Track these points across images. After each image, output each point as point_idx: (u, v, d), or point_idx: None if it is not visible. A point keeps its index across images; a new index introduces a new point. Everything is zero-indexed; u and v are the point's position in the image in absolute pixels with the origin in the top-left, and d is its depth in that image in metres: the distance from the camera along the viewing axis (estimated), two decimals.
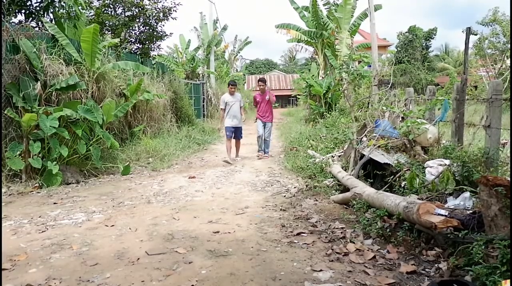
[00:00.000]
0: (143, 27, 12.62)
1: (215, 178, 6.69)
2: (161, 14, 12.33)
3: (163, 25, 14.30)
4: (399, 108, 6.29)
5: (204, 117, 17.19)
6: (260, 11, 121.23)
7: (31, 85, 6.24)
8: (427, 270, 2.92)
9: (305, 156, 7.53)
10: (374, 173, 5.02)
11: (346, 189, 4.91)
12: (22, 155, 6.08)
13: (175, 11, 12.48)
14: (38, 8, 7.65)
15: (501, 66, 18.49)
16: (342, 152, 6.74)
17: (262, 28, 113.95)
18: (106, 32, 11.56)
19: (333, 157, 6.63)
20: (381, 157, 5.07)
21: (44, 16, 7.65)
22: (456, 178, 3.81)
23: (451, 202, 3.44)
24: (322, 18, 16.55)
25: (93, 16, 11.39)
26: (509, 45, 19.24)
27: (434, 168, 4.18)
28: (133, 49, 12.64)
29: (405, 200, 3.43)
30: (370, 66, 14.49)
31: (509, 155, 4.49)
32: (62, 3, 7.58)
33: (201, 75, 19.93)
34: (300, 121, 16.59)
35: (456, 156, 4.16)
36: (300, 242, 3.53)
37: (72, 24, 8.01)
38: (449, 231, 2.94)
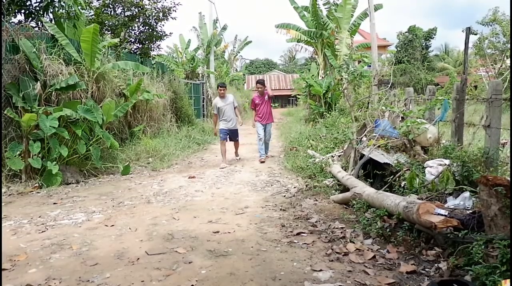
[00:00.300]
0: (142, 27, 12.61)
1: (215, 178, 6.69)
2: (160, 14, 12.33)
3: (163, 25, 14.35)
4: (398, 108, 6.29)
5: (204, 117, 17.19)
6: (260, 11, 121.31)
7: (31, 85, 6.24)
8: (427, 270, 2.92)
9: (305, 156, 7.53)
10: (374, 172, 5.01)
11: (346, 189, 4.91)
12: (22, 155, 6.08)
13: (175, 11, 12.48)
14: (37, 8, 7.65)
15: (501, 66, 18.48)
16: (342, 151, 6.74)
17: (262, 28, 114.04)
18: (106, 32, 11.55)
19: (333, 157, 6.63)
20: (381, 157, 5.07)
21: (43, 16, 7.65)
22: (456, 177, 3.81)
23: (451, 202, 3.44)
24: (322, 18, 16.53)
25: (92, 16, 11.38)
26: (509, 45, 19.24)
27: (434, 167, 4.18)
28: (133, 49, 12.64)
29: (405, 200, 3.43)
30: (370, 66, 14.49)
31: (509, 154, 4.50)
32: (61, 3, 7.58)
33: (201, 75, 19.92)
34: (300, 121, 16.60)
35: (456, 156, 4.16)
36: (300, 242, 3.53)
37: (72, 24, 8.01)
38: (449, 231, 2.94)
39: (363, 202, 4.18)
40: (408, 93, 7.34)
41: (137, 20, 12.18)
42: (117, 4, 11.88)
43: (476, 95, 5.82)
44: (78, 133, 6.47)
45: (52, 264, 3.13)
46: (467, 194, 3.41)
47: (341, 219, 4.16)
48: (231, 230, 3.90)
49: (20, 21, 7.53)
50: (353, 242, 3.45)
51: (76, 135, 6.55)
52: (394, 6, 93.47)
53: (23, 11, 7.57)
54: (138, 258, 3.22)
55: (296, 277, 2.83)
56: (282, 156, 8.80)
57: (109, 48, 8.99)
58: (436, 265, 2.94)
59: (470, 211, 3.06)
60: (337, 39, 16.29)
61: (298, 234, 3.74)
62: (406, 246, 3.30)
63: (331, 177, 5.67)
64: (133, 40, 12.70)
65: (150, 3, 12.14)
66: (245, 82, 40.09)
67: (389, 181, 4.53)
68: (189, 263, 3.11)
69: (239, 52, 37.15)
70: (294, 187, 5.70)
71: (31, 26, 7.20)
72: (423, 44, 31.84)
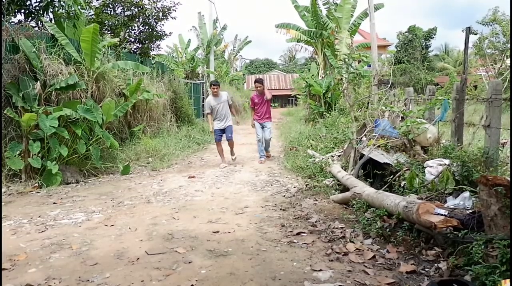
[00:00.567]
0: (142, 26, 12.61)
1: (215, 178, 6.69)
2: (160, 14, 12.33)
3: (163, 25, 14.37)
4: (398, 108, 6.29)
5: (203, 117, 17.18)
6: (260, 11, 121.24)
7: (31, 85, 6.23)
8: (426, 269, 2.92)
9: (305, 156, 7.53)
10: (373, 172, 5.01)
11: (345, 189, 4.91)
12: (22, 154, 6.07)
13: (175, 10, 12.49)
14: (37, 7, 7.65)
15: (501, 66, 18.49)
16: (341, 151, 6.74)
17: (262, 28, 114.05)
18: (106, 32, 11.55)
19: (333, 157, 6.63)
20: (380, 157, 5.07)
21: (43, 16, 7.65)
22: (456, 177, 3.81)
23: (451, 202, 3.44)
24: (322, 18, 16.54)
25: (92, 16, 11.38)
26: (509, 45, 19.25)
27: (433, 167, 4.18)
28: (133, 49, 12.64)
29: (405, 200, 3.43)
30: (369, 66, 14.49)
31: (508, 154, 4.50)
32: (61, 2, 7.58)
33: (200, 75, 19.93)
34: (299, 121, 16.60)
35: (455, 156, 4.17)
36: (299, 242, 3.53)
37: (72, 23, 8.01)
38: (449, 231, 2.94)
39: (363, 201, 4.18)
40: (408, 93, 7.34)
41: (137, 20, 12.19)
42: (117, 4, 11.88)
43: (476, 95, 5.82)
44: (78, 133, 6.46)
45: (52, 264, 3.13)
46: (467, 194, 3.41)
47: (341, 219, 4.16)
48: (231, 230, 3.90)
49: (20, 21, 7.54)
50: (353, 242, 3.45)
51: (76, 135, 6.55)
52: (394, 6, 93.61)
53: (23, 10, 7.57)
54: (138, 258, 3.22)
55: (296, 277, 2.83)
56: (282, 156, 8.79)
57: (109, 48, 8.98)
58: (436, 265, 2.94)
59: (470, 211, 3.06)
60: (337, 39, 16.29)
61: (298, 234, 3.74)
62: (406, 246, 3.30)
63: (331, 177, 5.67)
64: (133, 40, 12.70)
65: (150, 3, 12.15)
66: (245, 82, 40.12)
67: (389, 180, 4.53)
68: (189, 262, 3.11)
69: (239, 52, 37.21)
70: (294, 187, 5.70)
71: (31, 26, 7.20)
72: (423, 44, 31.85)
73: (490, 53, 20.20)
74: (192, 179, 6.57)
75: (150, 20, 12.33)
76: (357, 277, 2.81)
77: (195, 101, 16.17)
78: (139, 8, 11.98)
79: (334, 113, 11.93)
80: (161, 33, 12.84)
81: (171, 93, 12.09)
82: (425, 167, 4.28)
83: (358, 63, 15.89)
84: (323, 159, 6.60)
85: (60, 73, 6.79)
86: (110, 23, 11.65)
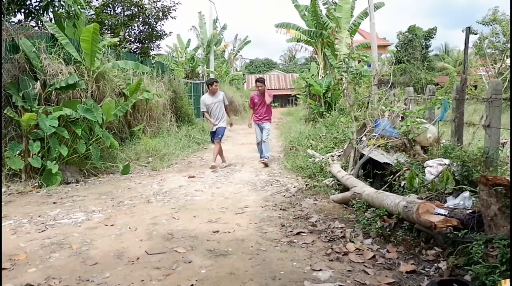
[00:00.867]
0: (142, 26, 12.61)
1: (215, 177, 6.69)
2: (160, 13, 12.33)
3: (163, 25, 14.35)
4: (398, 108, 6.29)
5: (203, 116, 17.18)
6: (260, 11, 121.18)
7: (31, 84, 6.23)
8: (426, 269, 2.92)
9: (305, 156, 7.52)
10: (373, 172, 5.01)
11: (345, 189, 4.91)
12: (22, 154, 6.07)
13: (175, 10, 12.50)
14: (37, 7, 7.65)
15: (501, 65, 18.49)
16: (341, 151, 6.74)
17: (262, 28, 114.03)
18: (106, 31, 11.55)
19: (333, 157, 6.63)
20: (380, 157, 5.07)
21: (43, 16, 7.65)
22: (456, 177, 3.81)
23: (451, 202, 3.44)
24: (322, 18, 16.55)
25: (92, 16, 11.38)
26: (509, 45, 19.25)
27: (433, 167, 4.18)
28: (133, 49, 12.65)
29: (405, 200, 3.43)
30: (369, 65, 14.49)
31: (508, 154, 4.50)
32: (61, 2, 7.59)
33: (200, 74, 19.94)
34: (299, 120, 16.60)
35: (455, 156, 4.17)
36: (299, 242, 3.53)
37: (72, 23, 8.01)
38: (449, 231, 2.94)
39: (362, 201, 4.17)
40: (408, 93, 7.34)
41: (136, 19, 12.19)
42: (117, 4, 11.89)
43: (476, 95, 5.82)
44: (78, 133, 6.46)
45: (52, 264, 3.13)
46: (467, 193, 3.41)
47: (341, 219, 4.16)
48: (231, 230, 3.90)
49: (20, 21, 7.53)
50: (353, 242, 3.45)
51: (76, 134, 6.55)
52: (394, 5, 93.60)
53: (23, 10, 7.57)
54: (138, 258, 3.22)
55: (296, 276, 2.83)
56: (282, 156, 8.79)
57: (109, 48, 8.98)
58: (435, 264, 2.94)
59: (470, 211, 3.06)
60: (337, 38, 16.31)
61: (298, 233, 3.74)
62: (406, 246, 3.30)
63: (331, 177, 5.67)
64: (132, 39, 12.71)
65: (150, 3, 12.16)
66: (245, 82, 40.14)
67: (389, 180, 4.53)
68: (189, 262, 3.11)
69: (239, 52, 37.20)
70: (294, 187, 5.70)
71: (31, 25, 7.20)
72: (423, 44, 31.89)
73: (490, 53, 20.20)
74: (192, 179, 6.57)
75: (150, 20, 12.34)
76: (357, 277, 2.81)
77: (195, 101, 16.13)
78: (139, 8, 11.99)
79: (334, 113, 11.93)
80: (161, 33, 12.85)
81: (171, 93, 12.09)
82: (425, 167, 4.28)
83: (358, 63, 15.91)
84: (323, 158, 6.60)
85: (60, 73, 6.79)
86: (110, 22, 11.66)
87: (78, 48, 7.40)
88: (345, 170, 5.60)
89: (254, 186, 5.98)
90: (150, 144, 8.84)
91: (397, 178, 4.46)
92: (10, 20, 7.18)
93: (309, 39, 17.88)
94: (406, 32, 31.22)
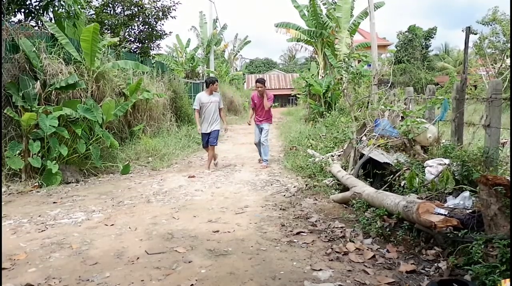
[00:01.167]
0: (142, 26, 12.62)
1: (215, 177, 6.69)
2: (160, 13, 12.34)
3: (163, 24, 14.35)
4: (398, 108, 6.29)
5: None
6: (260, 11, 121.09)
7: (31, 84, 6.23)
8: (426, 269, 2.92)
9: (305, 155, 7.52)
10: (373, 172, 5.01)
11: (345, 188, 4.91)
12: (22, 154, 6.07)
13: (175, 10, 12.52)
14: (37, 7, 7.64)
15: (501, 65, 18.47)
16: (341, 151, 6.74)
17: (262, 28, 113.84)
18: (106, 31, 11.56)
19: (333, 156, 6.63)
20: (380, 156, 5.07)
21: (43, 15, 7.64)
22: (456, 177, 3.81)
23: (451, 201, 3.44)
24: (322, 17, 16.55)
25: (92, 15, 11.39)
26: (509, 45, 19.24)
27: (433, 167, 4.18)
28: (133, 48, 12.65)
29: (405, 199, 3.43)
30: (369, 65, 14.49)
31: (508, 154, 4.50)
32: (61, 2, 7.58)
33: (200, 74, 19.94)
34: (299, 120, 16.60)
35: (455, 155, 4.17)
36: (299, 241, 3.53)
37: (72, 23, 8.00)
38: (449, 230, 2.94)
39: (362, 201, 4.18)
40: (408, 92, 7.34)
41: (136, 19, 12.20)
42: (116, 3, 11.89)
43: (476, 94, 5.82)
44: (78, 133, 6.46)
45: (51, 263, 3.13)
46: (467, 193, 3.41)
47: (340, 219, 4.16)
48: (231, 230, 3.90)
49: (20, 20, 7.53)
50: (353, 242, 3.45)
51: (76, 134, 6.55)
52: (394, 5, 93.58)
53: (23, 10, 7.57)
54: (138, 258, 3.22)
55: (295, 276, 2.83)
56: (282, 155, 8.79)
57: (109, 48, 8.99)
58: (435, 264, 2.94)
59: (470, 211, 3.06)
60: (337, 38, 16.31)
61: (298, 233, 3.74)
62: (406, 246, 3.30)
63: (331, 176, 5.67)
64: (132, 39, 12.71)
65: (150, 2, 12.16)
66: (245, 82, 40.14)
67: (389, 180, 4.53)
68: (189, 262, 3.11)
69: (239, 52, 37.20)
70: (294, 186, 5.70)
71: (31, 25, 7.21)
72: (423, 44, 31.88)
73: (490, 53, 20.20)
74: (192, 179, 6.57)
75: (150, 20, 12.34)
76: (357, 277, 2.81)
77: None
78: (139, 8, 11.99)
79: (334, 113, 11.93)
80: (161, 32, 12.86)
81: (171, 93, 12.09)
82: (425, 167, 4.28)
83: (358, 62, 15.91)
84: (323, 158, 6.60)
85: (60, 72, 6.79)
86: (110, 22, 11.66)
87: (78, 48, 7.40)
88: (345, 169, 5.60)
89: (254, 186, 5.98)
90: (150, 144, 8.84)
91: (397, 178, 4.46)
92: (10, 20, 7.18)
93: (309, 39, 17.89)
94: (406, 32, 31.21)
